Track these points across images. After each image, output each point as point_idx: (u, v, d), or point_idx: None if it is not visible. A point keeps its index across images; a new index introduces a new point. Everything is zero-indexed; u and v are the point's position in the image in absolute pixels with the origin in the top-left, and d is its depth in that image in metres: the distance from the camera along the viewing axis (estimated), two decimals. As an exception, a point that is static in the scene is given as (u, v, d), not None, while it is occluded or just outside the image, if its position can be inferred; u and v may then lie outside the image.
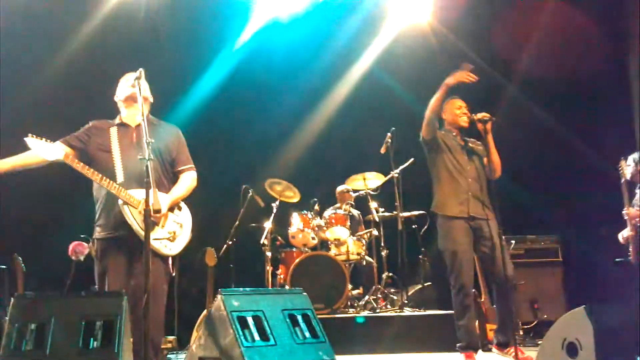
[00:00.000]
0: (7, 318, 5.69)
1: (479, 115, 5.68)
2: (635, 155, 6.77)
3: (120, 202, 4.48)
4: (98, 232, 4.69)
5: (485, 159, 5.76)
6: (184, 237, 4.73)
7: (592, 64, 8.42)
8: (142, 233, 4.38)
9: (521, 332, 7.54)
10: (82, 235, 4.78)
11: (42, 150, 4.40)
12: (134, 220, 4.47)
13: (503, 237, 5.49)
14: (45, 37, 8.05)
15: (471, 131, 5.90)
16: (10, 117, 7.49)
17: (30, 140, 4.38)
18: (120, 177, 4.59)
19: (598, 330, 4.21)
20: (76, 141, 4.72)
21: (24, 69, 7.89)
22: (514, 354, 5.25)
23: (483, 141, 5.72)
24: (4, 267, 6.47)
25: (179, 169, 4.89)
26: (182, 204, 4.81)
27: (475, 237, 5.60)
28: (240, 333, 3.61)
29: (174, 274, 4.79)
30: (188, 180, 4.89)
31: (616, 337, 4.28)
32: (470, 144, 5.85)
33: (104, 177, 4.49)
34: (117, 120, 4.83)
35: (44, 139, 4.42)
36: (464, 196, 5.64)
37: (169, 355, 6.58)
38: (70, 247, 4.52)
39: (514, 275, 5.53)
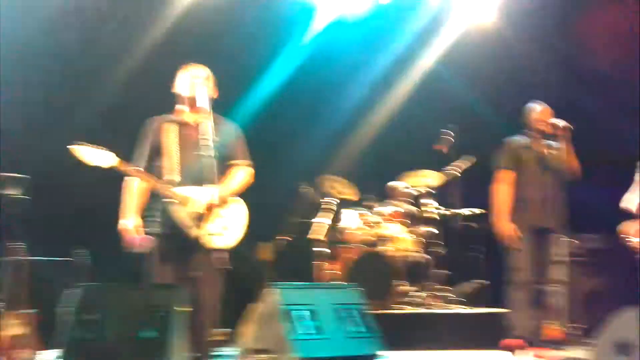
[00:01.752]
0: (68, 309, 5.92)
1: (562, 124, 5.81)
2: None
3: (170, 201, 4.58)
4: (151, 227, 4.75)
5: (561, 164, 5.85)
6: (237, 231, 4.78)
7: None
8: (193, 232, 4.54)
9: (575, 332, 7.45)
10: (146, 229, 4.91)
11: (92, 158, 4.44)
12: (185, 219, 4.56)
13: (560, 242, 5.74)
14: (113, 36, 8.24)
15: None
16: (82, 120, 7.76)
17: (79, 148, 4.41)
18: (177, 176, 4.66)
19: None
20: (148, 157, 4.82)
21: (90, 73, 8.13)
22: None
23: (560, 148, 5.82)
24: (69, 259, 6.71)
25: (232, 162, 4.90)
26: (237, 198, 4.87)
27: (539, 241, 5.75)
28: (293, 326, 3.69)
29: (229, 267, 4.86)
30: (242, 174, 4.91)
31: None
32: (551, 150, 5.94)
33: (157, 180, 4.61)
34: (175, 117, 4.87)
35: (93, 146, 4.45)
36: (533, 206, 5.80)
37: (222, 348, 6.71)
38: (135, 240, 4.65)
39: (561, 280, 5.72)
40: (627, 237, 6.55)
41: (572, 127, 5.73)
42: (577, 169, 5.83)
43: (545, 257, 5.72)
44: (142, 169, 4.69)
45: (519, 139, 6.08)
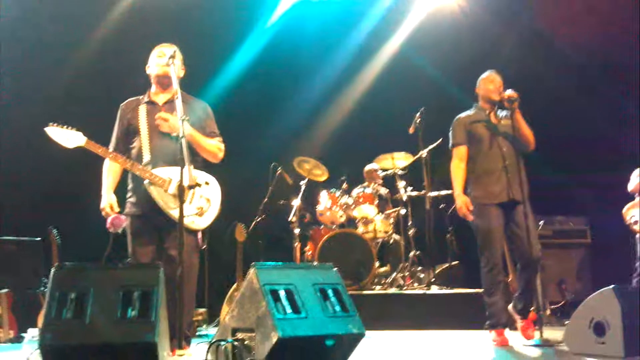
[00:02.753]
0: (43, 289, 5.86)
1: (507, 94, 5.58)
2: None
3: (146, 182, 4.58)
4: (128, 208, 4.82)
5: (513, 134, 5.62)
6: (212, 211, 4.80)
7: (628, 43, 8.34)
8: (169, 211, 4.56)
9: (548, 312, 7.58)
10: (117, 208, 4.87)
11: (62, 139, 4.50)
12: (161, 199, 4.58)
13: (530, 215, 5.49)
14: (76, 18, 8.15)
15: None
16: (43, 105, 7.65)
17: (50, 129, 4.51)
18: (147, 156, 4.68)
19: (626, 310, 4.25)
20: (122, 139, 4.86)
21: (59, 52, 8.02)
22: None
23: (511, 119, 5.60)
24: (39, 239, 6.63)
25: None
26: (211, 179, 4.87)
27: (506, 217, 5.60)
28: (273, 305, 3.68)
29: (204, 247, 4.87)
30: (213, 140, 4.93)
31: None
32: (502, 121, 5.75)
33: (126, 160, 4.61)
34: (145, 98, 4.91)
35: (65, 127, 4.52)
36: (495, 178, 5.63)
37: (199, 328, 6.71)
38: (109, 219, 4.62)
39: (539, 256, 5.52)
40: (631, 219, 6.70)
41: (518, 95, 5.49)
42: (530, 139, 5.62)
43: (517, 233, 5.51)
44: (111, 150, 4.67)
45: (469, 113, 5.89)
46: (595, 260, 8.19)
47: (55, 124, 4.52)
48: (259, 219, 7.38)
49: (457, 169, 5.77)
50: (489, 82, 5.82)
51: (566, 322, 5.49)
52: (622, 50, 8.45)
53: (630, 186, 6.96)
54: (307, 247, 7.98)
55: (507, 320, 5.61)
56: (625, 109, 8.41)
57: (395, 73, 9.64)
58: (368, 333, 4.07)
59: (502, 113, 5.80)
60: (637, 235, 6.86)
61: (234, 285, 6.48)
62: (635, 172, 6.93)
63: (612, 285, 4.38)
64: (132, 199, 4.79)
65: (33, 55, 7.88)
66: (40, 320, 3.55)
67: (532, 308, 5.66)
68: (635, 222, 6.75)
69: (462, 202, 5.64)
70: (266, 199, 7.63)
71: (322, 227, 8.01)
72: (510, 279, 6.96)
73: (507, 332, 5.61)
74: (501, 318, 5.54)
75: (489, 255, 5.55)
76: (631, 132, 7.64)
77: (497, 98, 5.71)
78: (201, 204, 4.74)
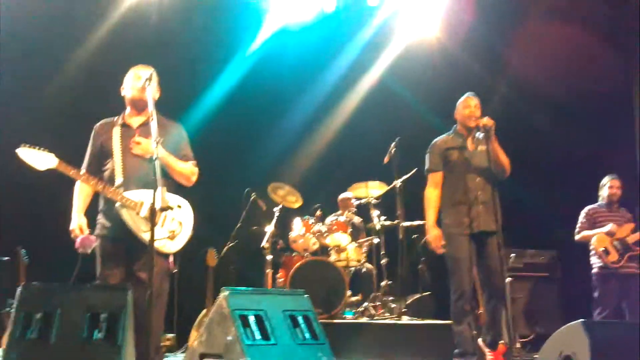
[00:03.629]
0: (8, 309, 5.76)
1: (483, 122, 5.50)
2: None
3: (117, 204, 4.54)
4: (99, 230, 4.76)
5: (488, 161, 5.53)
6: (184, 235, 4.76)
7: (599, 80, 8.51)
8: (141, 235, 4.50)
9: (518, 345, 7.59)
10: (87, 230, 4.81)
11: (33, 160, 4.43)
12: (132, 222, 4.53)
13: (501, 247, 5.37)
14: (58, 39, 8.14)
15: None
16: (24, 120, 7.59)
17: (21, 151, 4.43)
18: (119, 178, 4.63)
19: (594, 345, 4.26)
20: (95, 160, 4.81)
21: (36, 72, 7.98)
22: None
23: (487, 145, 5.51)
24: (7, 259, 6.53)
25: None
26: (184, 203, 4.83)
27: (477, 247, 5.59)
28: (242, 331, 3.66)
29: (174, 271, 4.83)
30: (187, 164, 4.90)
31: (612, 352, 4.33)
32: (480, 147, 5.68)
33: (98, 182, 4.57)
34: (120, 120, 4.86)
35: (36, 148, 4.45)
36: (465, 209, 5.58)
37: (167, 354, 6.62)
38: (78, 240, 4.56)
39: (504, 286, 5.45)
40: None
41: (494, 123, 5.41)
42: (506, 167, 5.58)
43: (486, 263, 5.49)
44: (83, 171, 4.63)
45: (445, 137, 5.83)
46: (566, 294, 8.24)
47: (27, 145, 4.45)
48: (231, 244, 7.33)
49: (431, 196, 5.72)
50: (464, 106, 5.76)
51: (535, 356, 5.50)
52: (598, 81, 8.60)
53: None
54: (279, 274, 7.93)
55: (474, 350, 5.57)
56: (602, 142, 8.54)
57: (373, 103, 9.72)
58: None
59: (480, 135, 5.72)
60: (594, 270, 6.97)
61: (204, 311, 6.42)
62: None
63: (581, 319, 4.40)
64: (103, 221, 4.74)
65: (8, 76, 7.81)
66: (4, 341, 3.47)
67: (502, 341, 5.64)
68: (607, 253, 6.84)
69: (433, 236, 5.61)
70: (239, 225, 7.59)
71: (294, 254, 7.97)
72: (480, 311, 6.96)
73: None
74: (468, 348, 5.51)
75: (456, 284, 5.52)
76: (606, 166, 7.74)
77: (472, 124, 5.66)
78: (173, 227, 4.70)
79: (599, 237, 6.99)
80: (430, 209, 5.70)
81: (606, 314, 6.73)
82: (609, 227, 7.05)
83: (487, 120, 5.50)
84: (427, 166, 5.88)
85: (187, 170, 4.89)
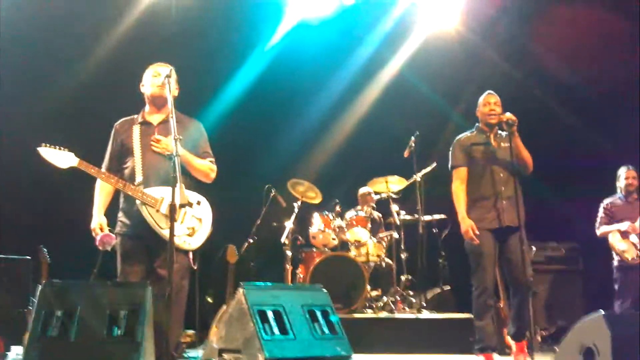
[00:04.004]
0: (31, 307, 5.83)
1: (505, 117, 5.57)
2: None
3: (138, 202, 4.57)
4: (119, 227, 4.79)
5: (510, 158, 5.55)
6: (204, 232, 4.79)
7: (622, 70, 8.40)
8: (161, 231, 4.53)
9: (539, 338, 7.55)
10: (107, 228, 4.84)
11: (54, 159, 4.49)
12: (152, 219, 4.56)
13: (525, 241, 5.40)
14: (78, 36, 8.19)
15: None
16: (41, 118, 7.67)
17: (42, 150, 4.49)
18: (139, 176, 4.67)
19: (615, 337, 4.22)
20: (115, 159, 4.85)
21: (54, 71, 8.04)
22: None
23: (510, 143, 5.55)
24: (29, 258, 6.60)
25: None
26: (203, 200, 4.86)
27: (500, 242, 5.60)
28: (261, 326, 3.67)
29: (195, 268, 4.85)
30: (205, 161, 4.93)
31: (633, 344, 4.29)
32: (502, 143, 5.72)
33: (119, 180, 4.60)
34: (139, 118, 4.89)
35: (56, 148, 4.51)
36: (490, 204, 5.62)
37: (187, 350, 6.66)
38: (98, 237, 4.60)
39: (531, 281, 5.47)
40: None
41: (516, 119, 5.49)
42: (528, 163, 5.62)
43: (509, 258, 5.51)
44: (103, 170, 4.68)
45: (469, 134, 5.88)
46: (587, 286, 8.17)
47: (47, 145, 4.51)
48: (251, 240, 7.35)
49: (459, 191, 5.75)
50: (484, 104, 5.81)
51: (556, 348, 5.46)
52: (619, 75, 8.50)
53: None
54: (299, 270, 7.95)
55: (495, 344, 5.59)
56: (621, 134, 8.44)
57: (392, 97, 9.68)
58: (358, 357, 4.06)
59: (503, 133, 5.76)
60: (614, 263, 6.90)
61: (224, 307, 6.44)
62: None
63: (602, 311, 4.36)
64: (124, 219, 4.77)
65: (27, 75, 7.88)
66: (26, 339, 3.52)
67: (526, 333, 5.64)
68: (625, 251, 6.77)
69: (467, 226, 5.59)
70: (259, 221, 7.60)
71: (314, 249, 7.98)
72: (502, 305, 6.94)
73: (497, 357, 5.58)
74: (490, 342, 5.52)
75: (479, 279, 5.54)
76: (625, 158, 7.65)
77: (493, 121, 5.73)
78: (192, 224, 4.73)
79: (615, 237, 6.91)
80: (459, 202, 5.71)
81: (627, 306, 6.67)
82: (626, 225, 6.97)
83: (509, 116, 5.55)
84: (451, 162, 5.90)
85: (206, 167, 4.91)
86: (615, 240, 6.88)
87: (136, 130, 4.81)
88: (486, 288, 5.52)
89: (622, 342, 4.23)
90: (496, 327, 5.80)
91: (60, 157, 4.50)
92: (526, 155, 5.64)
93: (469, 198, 5.73)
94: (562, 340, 4.69)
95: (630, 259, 6.75)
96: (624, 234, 6.91)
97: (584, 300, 8.08)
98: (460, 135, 5.95)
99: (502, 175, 5.63)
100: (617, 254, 6.86)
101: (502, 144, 5.71)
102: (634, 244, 6.77)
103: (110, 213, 4.81)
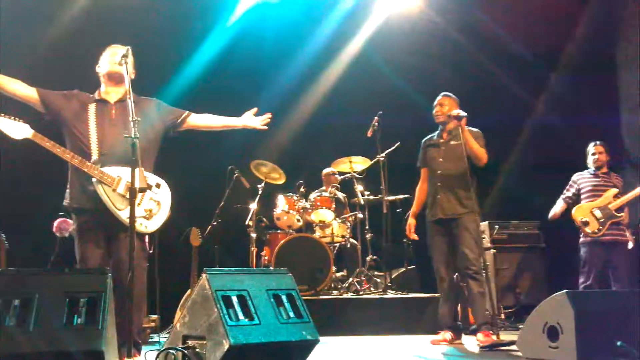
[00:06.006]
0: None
1: (454, 113, 5.92)
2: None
3: (94, 180, 4.46)
4: (74, 202, 4.64)
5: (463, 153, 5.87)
6: (162, 215, 4.71)
7: (583, 46, 8.46)
8: (117, 212, 4.44)
9: (502, 316, 7.63)
10: (61, 213, 4.74)
11: (9, 129, 4.38)
12: (108, 198, 4.46)
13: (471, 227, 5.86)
14: (35, 10, 7.96)
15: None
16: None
17: None
18: (95, 154, 4.55)
19: (579, 315, 4.27)
20: (54, 97, 4.71)
21: (12, 42, 7.80)
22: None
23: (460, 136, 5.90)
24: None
25: (182, 117, 5.03)
26: (163, 182, 4.77)
27: (447, 231, 6.01)
28: (225, 312, 3.61)
29: (151, 251, 4.78)
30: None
31: (596, 322, 4.34)
32: (452, 142, 6.08)
33: (75, 156, 4.45)
34: (96, 96, 4.78)
35: (12, 118, 4.40)
36: (432, 199, 6.11)
37: (151, 335, 6.58)
38: (55, 223, 4.50)
39: (473, 268, 5.80)
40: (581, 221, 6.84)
41: (464, 115, 5.82)
42: (478, 155, 5.90)
43: (457, 245, 5.88)
44: (57, 144, 4.53)
45: (430, 136, 6.29)
46: (550, 264, 8.25)
47: (3, 115, 4.39)
48: (215, 223, 7.27)
49: (417, 190, 6.38)
50: (436, 106, 6.20)
51: (520, 326, 5.52)
52: (580, 42, 8.57)
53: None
54: (264, 252, 7.91)
55: (443, 323, 6.03)
56: (583, 111, 8.51)
57: (354, 77, 9.63)
58: (324, 339, 4.03)
59: (454, 133, 6.10)
60: (580, 239, 6.97)
61: (188, 291, 6.38)
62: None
63: (565, 290, 4.40)
64: (79, 194, 4.62)
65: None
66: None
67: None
68: (586, 224, 6.84)
69: (407, 224, 6.33)
70: (222, 203, 7.51)
71: (279, 231, 7.95)
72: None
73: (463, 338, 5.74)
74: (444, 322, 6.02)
75: (434, 265, 6.07)
76: (586, 133, 7.71)
77: (439, 120, 6.16)
78: (150, 207, 4.64)
79: (578, 208, 6.98)
80: (414, 200, 6.38)
81: (590, 283, 6.75)
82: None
83: (455, 113, 5.91)
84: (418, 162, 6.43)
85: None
86: (577, 213, 6.93)
87: (92, 107, 4.70)
88: (436, 272, 6.05)
89: (586, 320, 4.28)
90: (461, 307, 5.99)
91: (15, 128, 4.38)
92: (476, 148, 5.92)
93: (428, 194, 6.21)
94: (527, 319, 4.74)
95: (590, 232, 6.81)
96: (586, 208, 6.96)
97: (547, 278, 8.17)
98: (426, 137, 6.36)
99: (439, 171, 6.07)
100: (578, 227, 6.92)
101: (452, 142, 6.06)
102: (597, 218, 6.84)
103: (62, 189, 4.67)
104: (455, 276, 6.09)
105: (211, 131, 5.36)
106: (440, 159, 6.09)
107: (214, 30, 9.21)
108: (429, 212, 6.13)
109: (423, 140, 6.35)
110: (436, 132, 6.26)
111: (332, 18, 9.52)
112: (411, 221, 6.29)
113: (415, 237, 6.29)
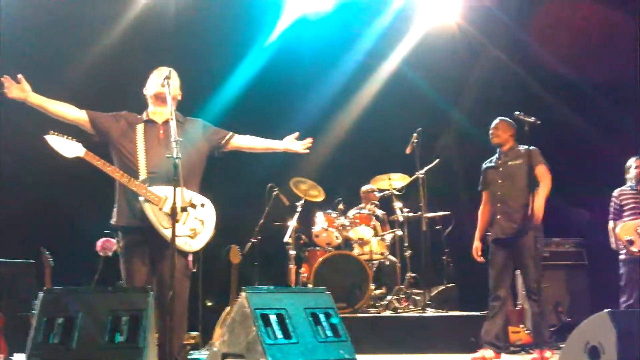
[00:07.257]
0: (34, 312, 5.81)
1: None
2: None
3: (141, 199, 4.53)
4: (122, 219, 4.68)
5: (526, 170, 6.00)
6: (206, 234, 4.73)
7: (618, 64, 8.36)
8: (162, 230, 4.49)
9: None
10: (106, 231, 4.82)
11: (61, 148, 4.45)
12: (155, 217, 4.52)
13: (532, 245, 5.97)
14: (77, 34, 8.15)
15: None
16: (42, 118, 7.61)
17: (50, 138, 4.45)
18: (143, 174, 4.62)
19: (621, 335, 4.20)
20: (103, 119, 4.77)
21: (55, 67, 7.99)
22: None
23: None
24: (32, 261, 6.57)
25: (227, 138, 5.06)
26: (207, 201, 4.82)
27: (510, 250, 6.12)
28: (263, 330, 3.64)
29: (194, 270, 4.82)
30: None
31: (638, 342, 4.26)
32: (509, 162, 6.24)
33: (124, 174, 4.52)
34: (144, 117, 4.86)
35: (65, 136, 4.48)
36: (493, 219, 6.26)
37: (192, 352, 6.64)
38: (99, 243, 4.59)
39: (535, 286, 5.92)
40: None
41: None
42: (549, 188, 6.09)
43: (517, 265, 6.11)
44: (107, 163, 4.62)
45: (489, 159, 6.44)
46: (592, 282, 8.13)
47: (56, 133, 4.48)
48: (255, 240, 7.32)
49: (480, 213, 6.47)
50: (492, 129, 6.37)
51: (562, 345, 5.45)
52: (618, 69, 8.45)
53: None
54: (303, 269, 7.93)
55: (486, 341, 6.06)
56: (622, 129, 8.39)
57: (393, 93, 9.65)
58: (362, 357, 4.03)
59: (522, 148, 6.25)
60: (621, 257, 6.85)
61: (227, 309, 6.43)
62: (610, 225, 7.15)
63: (607, 309, 4.33)
64: (127, 212, 4.68)
65: (31, 71, 7.84)
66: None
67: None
68: (631, 243, 6.72)
69: (474, 247, 6.40)
70: (262, 221, 7.56)
71: (317, 248, 7.96)
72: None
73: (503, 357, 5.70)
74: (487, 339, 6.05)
75: (490, 283, 6.15)
76: (628, 152, 7.60)
77: (495, 142, 6.33)
78: (194, 226, 4.69)
79: (623, 227, 6.86)
80: (479, 223, 6.46)
81: (632, 302, 6.64)
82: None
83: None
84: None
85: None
86: (623, 232, 6.82)
87: (140, 127, 4.78)
88: (491, 292, 6.14)
89: (628, 340, 4.20)
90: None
91: (68, 146, 4.46)
92: (547, 193, 6.11)
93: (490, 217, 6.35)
94: (568, 338, 4.68)
95: (636, 251, 6.69)
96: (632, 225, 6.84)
97: (590, 296, 8.04)
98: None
99: (499, 193, 6.23)
100: (623, 246, 6.80)
101: (510, 162, 6.24)
102: None
103: (106, 209, 4.74)
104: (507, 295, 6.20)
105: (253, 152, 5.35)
106: (500, 180, 6.25)
107: (254, 48, 9.32)
108: (491, 230, 6.28)
109: (483, 164, 6.49)
110: (494, 155, 6.41)
111: (369, 34, 9.57)
112: (477, 244, 6.40)
113: (481, 259, 6.37)
